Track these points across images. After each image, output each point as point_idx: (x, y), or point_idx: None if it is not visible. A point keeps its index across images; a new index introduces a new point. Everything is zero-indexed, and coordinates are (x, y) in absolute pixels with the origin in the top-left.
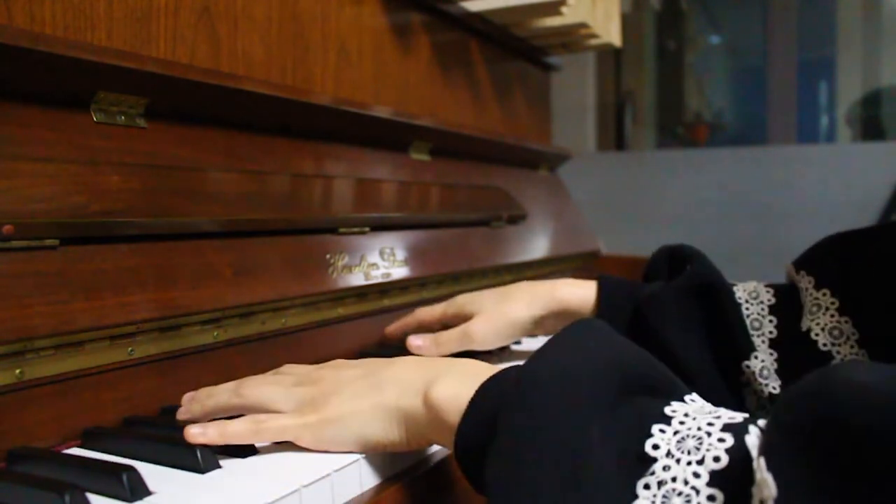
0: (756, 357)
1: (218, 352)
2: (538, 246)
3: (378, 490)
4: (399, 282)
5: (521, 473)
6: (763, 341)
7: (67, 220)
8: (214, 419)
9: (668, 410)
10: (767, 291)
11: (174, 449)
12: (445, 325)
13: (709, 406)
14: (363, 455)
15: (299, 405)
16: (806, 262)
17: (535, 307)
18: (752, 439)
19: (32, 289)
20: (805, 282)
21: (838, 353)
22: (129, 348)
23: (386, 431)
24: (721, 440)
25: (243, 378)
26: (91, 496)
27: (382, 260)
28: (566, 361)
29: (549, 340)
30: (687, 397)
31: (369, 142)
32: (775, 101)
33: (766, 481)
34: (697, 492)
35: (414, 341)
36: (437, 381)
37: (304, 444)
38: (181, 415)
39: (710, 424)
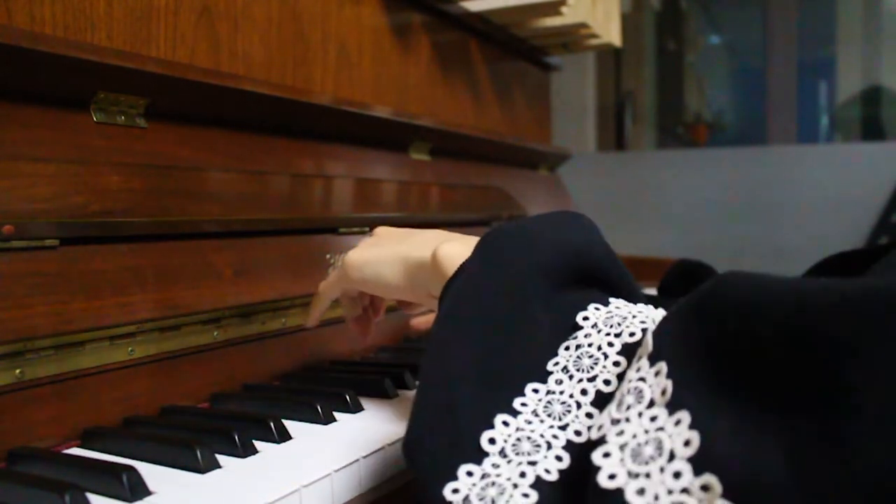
0: None
1: (218, 352)
2: None
3: (378, 490)
4: None
5: (464, 310)
6: None
7: (67, 220)
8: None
9: (611, 299)
10: None
11: (174, 449)
12: None
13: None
14: (363, 455)
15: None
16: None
17: None
18: (656, 316)
19: (32, 289)
20: None
21: None
22: (129, 348)
23: (396, 276)
24: (642, 322)
25: None
26: (91, 496)
27: None
28: (543, 234)
29: (543, 214)
30: (640, 304)
31: (369, 142)
32: (775, 101)
33: (647, 342)
34: (606, 357)
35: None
36: (447, 241)
37: (348, 285)
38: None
39: (639, 311)
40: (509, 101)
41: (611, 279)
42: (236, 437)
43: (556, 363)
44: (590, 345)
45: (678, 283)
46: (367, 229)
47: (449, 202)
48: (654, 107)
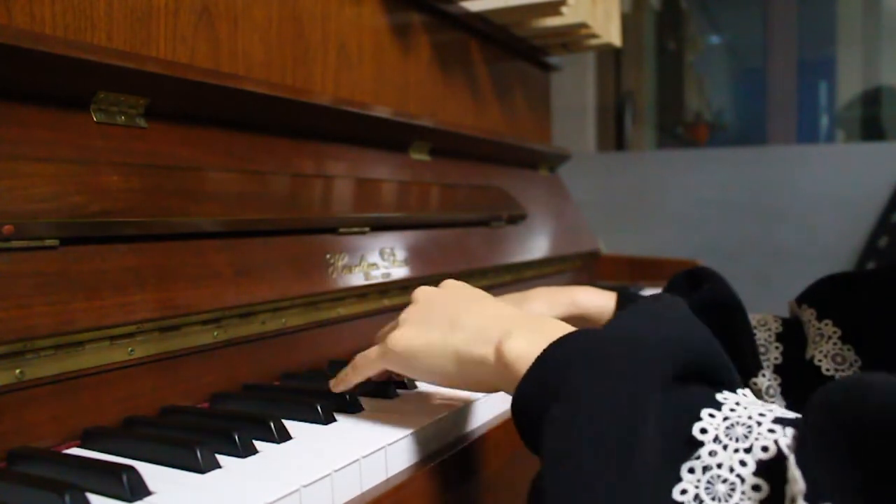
0: (764, 376)
1: (218, 352)
2: (538, 246)
3: (378, 490)
4: (399, 282)
5: (575, 443)
6: (768, 366)
7: (67, 220)
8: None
9: (719, 397)
10: (776, 321)
11: (174, 449)
12: None
13: (760, 402)
14: (363, 455)
15: (396, 327)
16: (808, 297)
17: (555, 309)
18: (787, 440)
19: (32, 289)
20: (807, 314)
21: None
22: (129, 348)
23: (451, 371)
24: (771, 431)
25: None
26: (91, 496)
27: (382, 260)
28: (636, 336)
29: (626, 310)
30: (740, 391)
31: (369, 142)
32: (775, 101)
33: (794, 477)
34: (742, 480)
35: None
36: (511, 333)
37: (392, 369)
38: (340, 384)
39: (761, 415)
40: (509, 101)
41: (715, 367)
42: (236, 437)
43: (685, 491)
44: (719, 465)
45: (682, 288)
46: (367, 229)
47: (449, 202)
48: (654, 107)
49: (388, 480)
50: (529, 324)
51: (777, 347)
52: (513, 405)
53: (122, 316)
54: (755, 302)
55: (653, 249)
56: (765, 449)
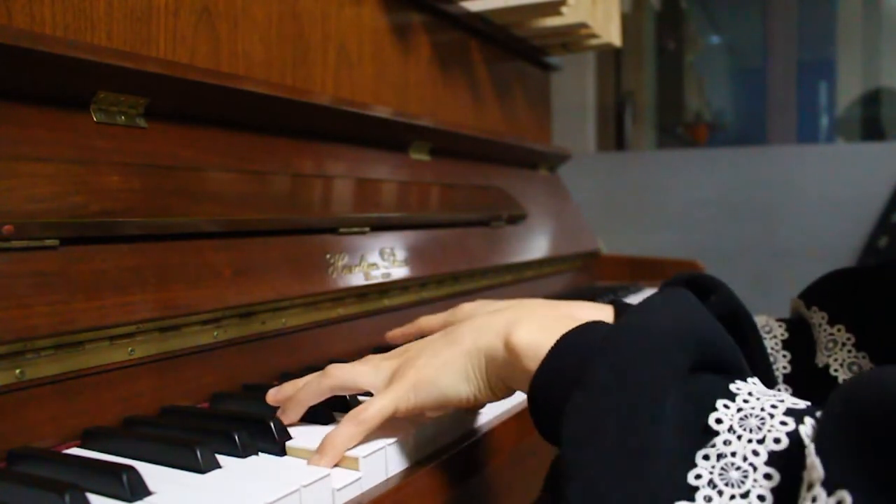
0: (778, 390)
1: (218, 352)
2: (538, 246)
3: (379, 489)
4: (399, 282)
5: (598, 428)
6: (777, 377)
7: (67, 220)
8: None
9: (732, 387)
10: (780, 326)
11: (174, 449)
12: None
13: (770, 390)
14: (363, 455)
15: (387, 378)
16: (816, 297)
17: None
18: (807, 428)
19: (32, 289)
20: (818, 317)
21: None
22: (129, 348)
23: (470, 379)
24: (783, 423)
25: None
26: (91, 496)
27: (382, 260)
28: (652, 327)
29: (639, 305)
30: (750, 379)
31: (369, 142)
32: (775, 101)
33: (814, 464)
34: (755, 468)
35: None
36: (518, 323)
37: (402, 415)
38: (284, 417)
39: (773, 406)
40: (509, 101)
41: (726, 355)
42: (236, 437)
43: (699, 476)
44: (733, 454)
45: None
46: (366, 229)
47: (449, 202)
48: (654, 107)
49: (388, 480)
50: (535, 313)
51: (785, 356)
52: (529, 394)
53: (122, 316)
54: (755, 302)
55: (653, 249)
56: (777, 440)
